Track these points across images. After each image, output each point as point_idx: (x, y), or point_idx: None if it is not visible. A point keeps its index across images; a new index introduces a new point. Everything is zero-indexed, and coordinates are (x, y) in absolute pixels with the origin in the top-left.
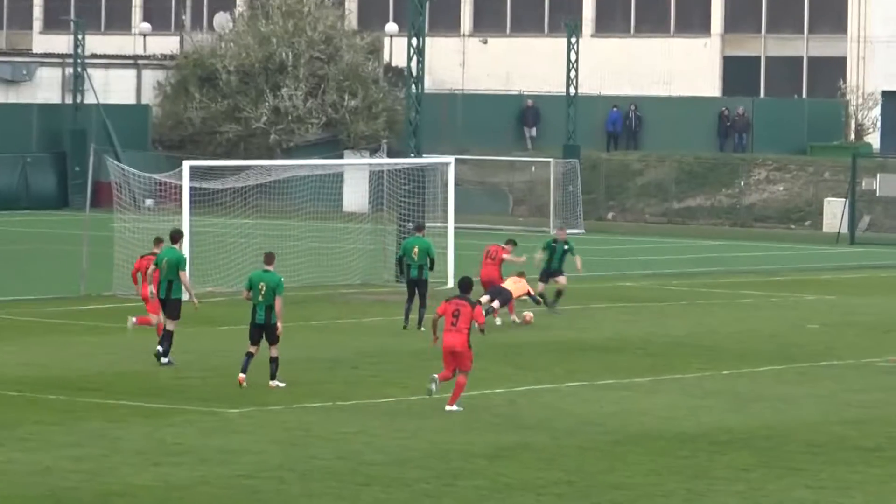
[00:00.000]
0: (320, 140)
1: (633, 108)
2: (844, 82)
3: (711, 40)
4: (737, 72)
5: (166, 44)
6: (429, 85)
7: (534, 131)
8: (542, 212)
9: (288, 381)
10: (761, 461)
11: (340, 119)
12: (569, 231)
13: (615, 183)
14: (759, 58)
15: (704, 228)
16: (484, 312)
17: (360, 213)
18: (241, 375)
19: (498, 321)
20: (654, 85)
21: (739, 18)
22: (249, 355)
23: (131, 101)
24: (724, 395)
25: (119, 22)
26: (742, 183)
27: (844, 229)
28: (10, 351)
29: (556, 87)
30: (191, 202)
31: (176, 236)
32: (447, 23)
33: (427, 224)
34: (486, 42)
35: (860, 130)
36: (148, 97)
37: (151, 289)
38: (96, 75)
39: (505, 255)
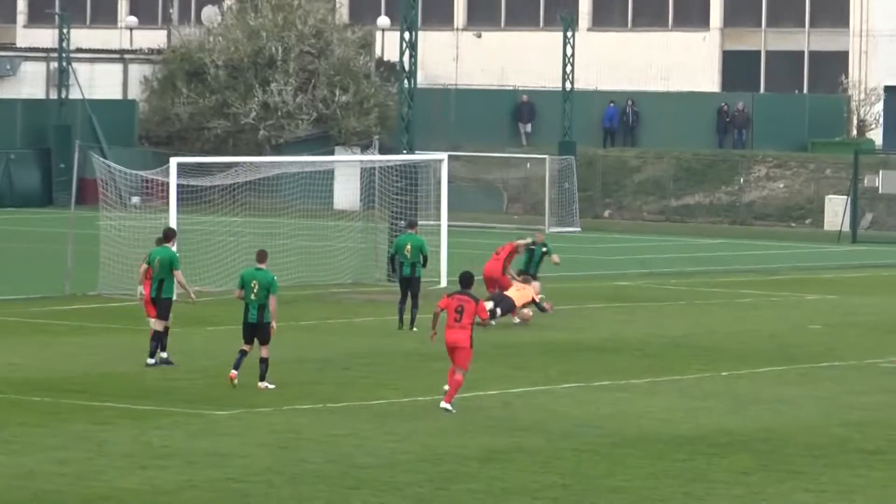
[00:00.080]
0: (310, 136)
1: (630, 103)
2: (846, 77)
3: (710, 34)
4: (736, 66)
5: (153, 38)
6: (421, 80)
7: (529, 127)
8: (537, 209)
9: (277, 382)
10: (761, 464)
11: (331, 115)
12: (565, 229)
13: (612, 180)
14: (759, 52)
15: (703, 227)
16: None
17: (352, 211)
18: (233, 372)
19: (492, 322)
20: (651, 80)
21: (739, 12)
22: (243, 353)
23: (117, 96)
24: (723, 396)
25: (105, 15)
26: (742, 180)
27: (846, 227)
28: None
29: (552, 82)
30: (178, 200)
31: (169, 235)
32: (440, 16)
33: (420, 222)
34: (480, 36)
35: (862, 126)
36: (134, 92)
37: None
38: (81, 70)
39: (519, 242)
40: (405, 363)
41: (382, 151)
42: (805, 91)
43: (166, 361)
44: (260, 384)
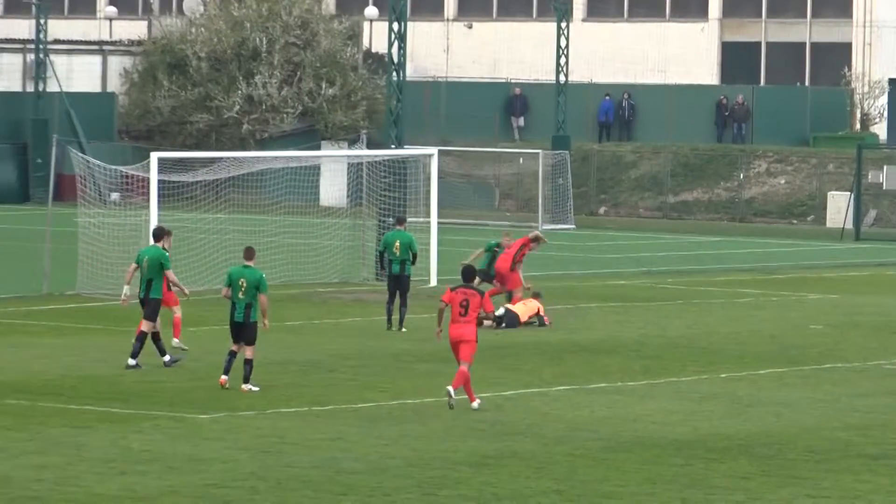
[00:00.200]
0: (296, 130)
1: (626, 96)
2: (849, 69)
3: (709, 25)
4: (736, 58)
5: (133, 29)
6: (411, 72)
7: (521, 121)
8: (529, 206)
9: (261, 384)
10: (761, 469)
11: (317, 108)
12: (559, 227)
13: (607, 176)
14: (759, 43)
15: (701, 224)
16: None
17: (339, 208)
18: (224, 377)
19: (497, 325)
20: (648, 72)
21: (739, 2)
22: (232, 354)
23: (96, 89)
24: (721, 399)
25: (83, 5)
26: (741, 175)
27: (849, 224)
28: None
29: (546, 74)
30: (159, 196)
31: (158, 234)
32: (430, 6)
33: (409, 219)
34: (471, 27)
35: (866, 120)
36: (114, 85)
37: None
38: (59, 62)
39: (531, 240)
40: (393, 365)
41: (370, 146)
42: (807, 84)
43: (174, 361)
44: (243, 386)
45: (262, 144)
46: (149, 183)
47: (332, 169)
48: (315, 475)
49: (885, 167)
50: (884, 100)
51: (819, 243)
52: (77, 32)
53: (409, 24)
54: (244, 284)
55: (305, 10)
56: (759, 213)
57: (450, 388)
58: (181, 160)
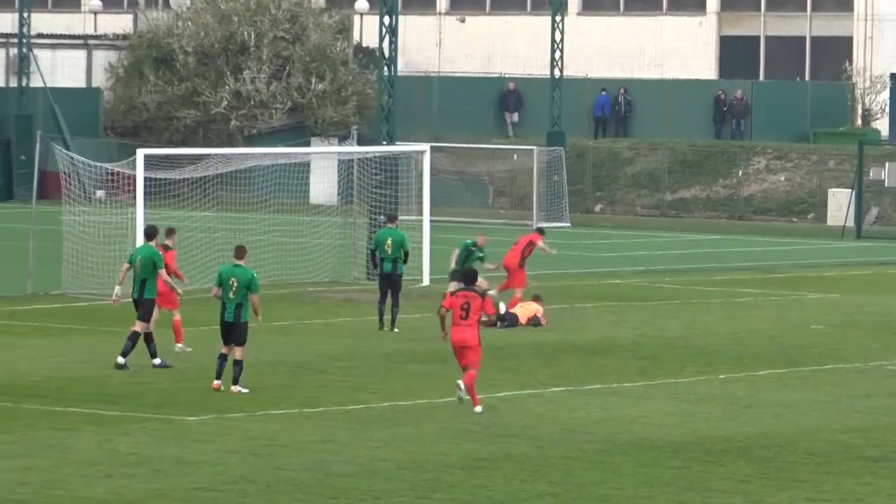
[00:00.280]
0: (285, 126)
1: (622, 91)
2: (850, 64)
3: (707, 18)
4: (734, 52)
5: (119, 22)
6: (402, 67)
7: (515, 117)
8: (524, 203)
9: (251, 386)
10: (760, 472)
11: (307, 104)
12: (554, 224)
13: (603, 173)
14: (758, 37)
15: (699, 222)
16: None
17: (329, 206)
18: (216, 382)
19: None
20: (645, 67)
21: None
22: (223, 358)
23: (81, 84)
24: (720, 400)
25: None
26: (740, 172)
27: (850, 222)
28: None
29: (540, 69)
30: (145, 194)
31: (151, 233)
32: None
33: (400, 217)
34: (463, 20)
35: (867, 116)
36: (99, 80)
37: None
38: (43, 56)
39: (539, 243)
40: (385, 366)
41: (361, 143)
42: (807, 78)
43: (163, 365)
44: (233, 388)
45: (250, 141)
46: (135, 180)
47: (322, 166)
48: (305, 478)
49: (886, 164)
50: (885, 95)
51: (819, 242)
52: (61, 26)
53: (401, 17)
54: (235, 284)
55: (294, 3)
56: (759, 211)
57: (460, 382)
58: (168, 157)
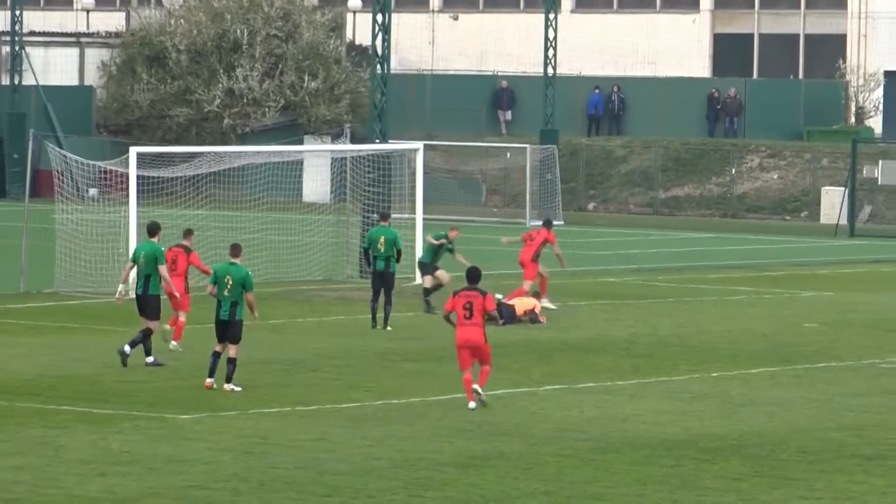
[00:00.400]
0: (278, 125)
1: (616, 89)
2: (844, 62)
3: (700, 16)
4: (728, 50)
5: (111, 20)
6: (395, 65)
7: (509, 115)
8: (517, 202)
9: (244, 384)
10: (753, 470)
11: (300, 102)
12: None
13: (597, 171)
14: (752, 35)
15: (693, 220)
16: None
17: (322, 204)
18: (209, 380)
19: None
20: (638, 65)
21: None
22: (216, 356)
23: (73, 82)
24: (713, 398)
25: None
26: (733, 170)
27: (844, 220)
28: None
29: (533, 67)
30: (138, 192)
31: (153, 229)
32: None
33: (393, 215)
34: (457, 18)
35: (861, 114)
36: (92, 78)
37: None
38: (35, 54)
39: (555, 247)
40: (378, 364)
41: (354, 141)
42: (800, 76)
43: (156, 364)
44: (226, 386)
45: (243, 139)
46: (128, 178)
47: (315, 164)
48: (299, 476)
49: (880, 162)
50: (879, 93)
51: (813, 240)
52: (53, 24)
53: (394, 15)
54: (230, 282)
55: (287, 1)
56: (752, 209)
57: (476, 387)
58: (161, 155)
